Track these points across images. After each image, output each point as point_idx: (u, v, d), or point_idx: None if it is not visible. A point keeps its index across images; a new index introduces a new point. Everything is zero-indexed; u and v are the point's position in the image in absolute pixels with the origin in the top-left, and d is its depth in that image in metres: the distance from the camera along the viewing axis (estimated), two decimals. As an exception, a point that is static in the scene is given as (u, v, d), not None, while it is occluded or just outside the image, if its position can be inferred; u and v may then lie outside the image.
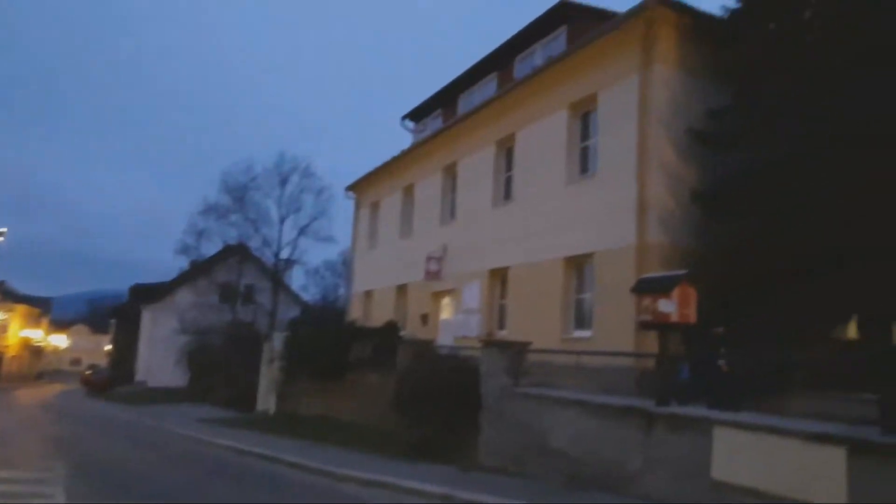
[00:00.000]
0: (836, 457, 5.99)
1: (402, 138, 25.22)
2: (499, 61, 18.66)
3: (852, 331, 10.91)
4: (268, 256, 34.26)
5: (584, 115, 14.20)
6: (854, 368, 8.04)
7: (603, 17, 14.73)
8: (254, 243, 34.21)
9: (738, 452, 6.88)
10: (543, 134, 14.95)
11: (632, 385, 10.21)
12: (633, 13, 12.30)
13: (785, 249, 9.59)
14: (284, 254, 33.92)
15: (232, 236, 34.47)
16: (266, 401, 21.38)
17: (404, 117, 24.27)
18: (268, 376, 21.38)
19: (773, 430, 6.59)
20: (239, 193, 33.32)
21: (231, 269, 35.61)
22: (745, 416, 7.18)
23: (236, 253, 35.36)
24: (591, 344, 11.93)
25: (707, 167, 11.75)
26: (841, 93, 9.90)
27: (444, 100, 21.78)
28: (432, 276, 18.27)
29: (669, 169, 11.94)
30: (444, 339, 17.22)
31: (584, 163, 14.05)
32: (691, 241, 11.48)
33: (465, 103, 20.49)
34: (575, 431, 9.01)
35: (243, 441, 14.04)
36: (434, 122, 22.62)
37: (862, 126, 9.42)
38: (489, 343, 11.95)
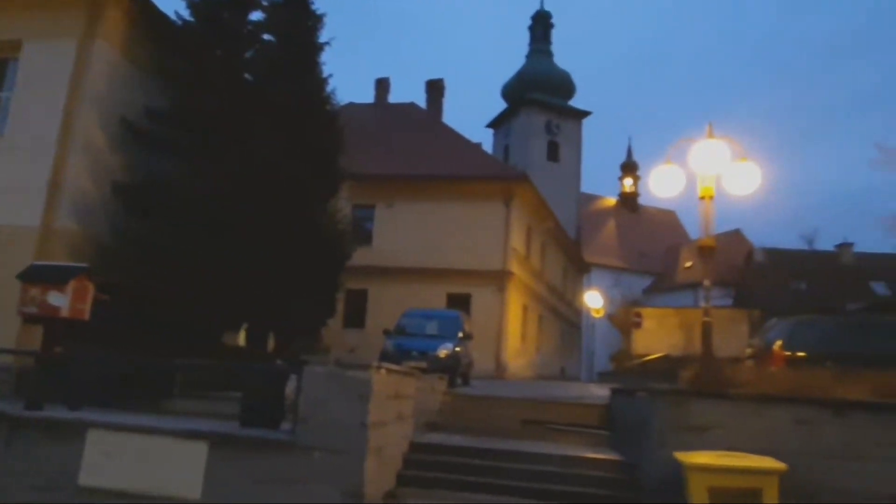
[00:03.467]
0: (200, 450, 6.62)
1: None
2: None
3: (242, 339, 12.53)
4: None
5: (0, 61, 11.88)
6: (234, 371, 9.04)
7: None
8: None
9: (110, 455, 6.79)
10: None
11: (11, 387, 8.92)
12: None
13: (181, 259, 10.15)
14: None
15: None
16: None
17: None
18: None
19: (145, 430, 6.80)
20: None
21: None
22: (121, 418, 7.17)
23: None
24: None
25: (136, 163, 11.52)
26: (260, 130, 11.34)
27: None
28: None
29: (96, 154, 11.15)
30: None
31: (-7, 117, 11.69)
32: (108, 235, 10.96)
33: None
34: None
35: None
36: None
37: (258, 165, 10.98)
38: None
